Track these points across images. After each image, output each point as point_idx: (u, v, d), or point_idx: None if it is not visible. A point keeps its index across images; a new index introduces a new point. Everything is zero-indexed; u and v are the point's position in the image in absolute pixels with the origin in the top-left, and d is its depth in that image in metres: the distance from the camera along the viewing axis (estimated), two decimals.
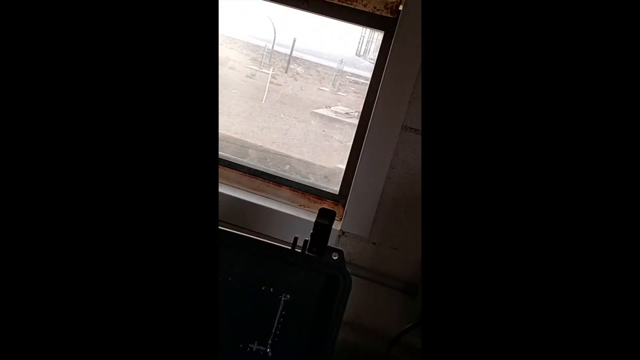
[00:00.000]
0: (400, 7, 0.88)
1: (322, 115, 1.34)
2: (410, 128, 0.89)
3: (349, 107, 1.28)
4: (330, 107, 1.34)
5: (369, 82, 0.96)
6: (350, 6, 0.92)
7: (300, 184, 1.01)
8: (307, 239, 0.75)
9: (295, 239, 0.75)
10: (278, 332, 0.76)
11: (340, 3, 0.92)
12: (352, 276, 0.73)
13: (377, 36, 0.98)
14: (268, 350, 0.76)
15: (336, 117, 1.32)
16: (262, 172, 1.02)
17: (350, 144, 0.98)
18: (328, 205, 0.99)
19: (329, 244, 0.74)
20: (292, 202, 1.01)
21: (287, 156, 1.24)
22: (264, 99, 1.30)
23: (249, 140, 1.22)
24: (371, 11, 0.91)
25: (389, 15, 0.91)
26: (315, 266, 0.74)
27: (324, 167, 1.20)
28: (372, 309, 0.94)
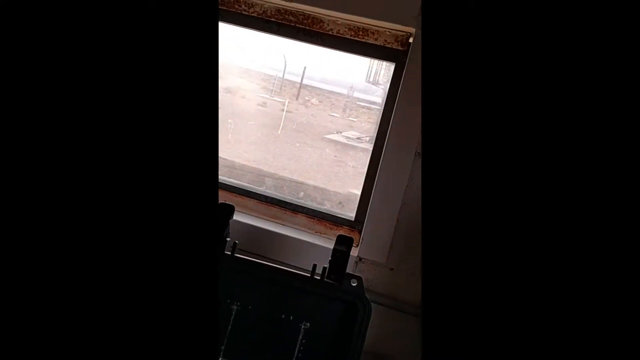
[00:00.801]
0: (411, 40, 0.92)
1: (333, 141, 1.36)
2: None
3: (360, 132, 1.30)
4: (341, 133, 1.36)
5: (380, 109, 0.99)
6: (362, 40, 0.95)
7: (316, 210, 1.03)
8: (325, 266, 0.76)
9: (314, 266, 0.76)
10: None
11: (352, 38, 0.96)
12: (372, 307, 0.75)
13: (385, 64, 1.02)
14: None
15: (348, 142, 1.34)
16: (279, 200, 1.04)
17: (362, 169, 1.00)
18: (344, 232, 1.01)
19: (347, 270, 0.75)
20: (309, 229, 1.02)
21: (301, 183, 1.26)
22: (279, 127, 1.33)
23: (263, 168, 1.24)
24: (382, 44, 0.95)
25: (400, 48, 0.94)
26: (334, 293, 0.75)
27: (338, 193, 1.22)
28: (391, 335, 0.94)
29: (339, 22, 0.95)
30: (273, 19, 0.97)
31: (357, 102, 1.33)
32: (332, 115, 1.38)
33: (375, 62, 1.13)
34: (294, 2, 0.91)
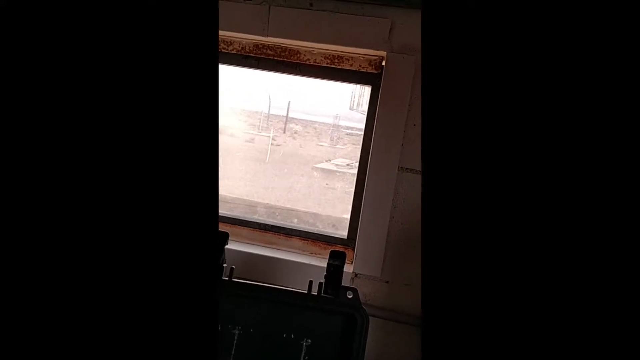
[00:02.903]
0: (383, 63, 0.98)
1: (323, 169, 1.39)
2: (407, 168, 0.95)
3: (349, 159, 1.34)
4: (330, 161, 1.40)
5: (363, 128, 1.03)
6: (338, 67, 1.01)
7: (310, 232, 1.06)
8: (321, 281, 0.79)
9: (310, 282, 0.79)
10: None
11: (328, 65, 1.02)
12: (369, 317, 0.77)
13: (367, 90, 1.07)
14: None
15: (337, 169, 1.37)
16: (272, 226, 1.07)
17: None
18: (338, 249, 1.03)
19: (342, 285, 0.78)
20: (304, 250, 1.05)
21: (294, 210, 1.29)
22: (266, 159, 1.36)
23: (256, 200, 1.27)
24: (357, 69, 1.01)
25: (374, 71, 1.00)
26: (332, 307, 0.78)
27: (331, 217, 1.25)
28: (391, 347, 0.95)
29: (314, 52, 1.01)
30: (252, 54, 1.03)
31: (343, 130, 1.38)
32: (320, 145, 1.42)
33: (358, 89, 1.18)
34: (269, 36, 0.97)
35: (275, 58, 1.02)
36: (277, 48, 1.02)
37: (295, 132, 1.43)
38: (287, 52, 1.02)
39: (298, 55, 1.02)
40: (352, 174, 1.22)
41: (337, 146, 1.41)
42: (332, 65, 1.01)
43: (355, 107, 1.23)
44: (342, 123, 1.36)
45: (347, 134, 1.35)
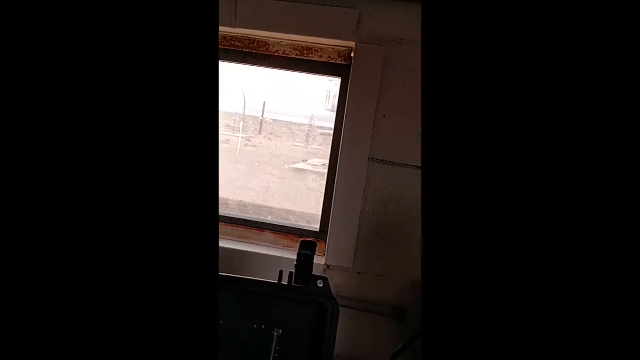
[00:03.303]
0: (352, 54, 0.98)
1: (299, 169, 1.39)
2: (377, 159, 0.95)
3: (324, 158, 1.35)
4: (306, 161, 1.39)
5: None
6: (307, 58, 1.01)
7: (282, 225, 1.05)
8: (291, 270, 0.78)
9: (281, 272, 0.78)
10: None
11: (297, 57, 1.01)
12: (341, 307, 0.76)
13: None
14: None
15: (313, 169, 1.37)
16: (244, 220, 1.06)
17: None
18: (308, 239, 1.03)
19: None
20: (276, 244, 1.04)
21: (268, 207, 1.28)
22: (243, 162, 1.35)
23: (230, 197, 1.26)
24: (327, 61, 1.01)
25: (343, 62, 1.00)
26: (302, 296, 0.77)
27: (305, 213, 1.24)
28: (364, 338, 0.95)
29: (283, 43, 1.01)
30: (220, 46, 1.02)
31: (319, 130, 1.38)
32: (296, 145, 1.42)
33: (332, 89, 1.18)
34: (237, 27, 0.96)
35: (244, 50, 1.02)
36: (245, 39, 1.01)
37: (271, 133, 1.42)
38: (255, 44, 1.01)
39: (267, 46, 1.01)
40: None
41: (313, 146, 1.41)
42: (301, 57, 1.01)
43: (330, 107, 1.23)
44: (318, 123, 1.36)
45: (322, 134, 1.36)
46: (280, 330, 0.78)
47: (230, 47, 1.02)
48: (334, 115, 1.12)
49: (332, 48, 1.00)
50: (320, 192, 1.26)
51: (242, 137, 1.40)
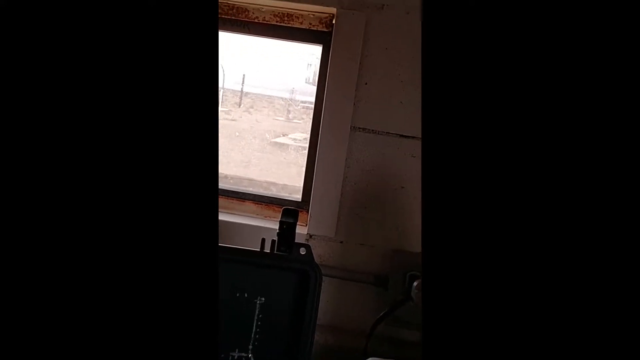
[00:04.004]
0: (334, 21, 0.96)
1: (280, 144, 1.38)
2: (359, 128, 0.94)
3: (306, 133, 1.33)
4: (287, 135, 1.38)
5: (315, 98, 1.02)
6: (288, 25, 0.99)
7: (263, 196, 1.04)
8: (274, 239, 0.78)
9: (263, 240, 0.78)
10: (257, 336, 0.77)
11: (278, 24, 0.99)
12: (324, 277, 0.76)
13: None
14: (250, 355, 0.77)
15: (294, 143, 1.36)
16: (225, 190, 1.04)
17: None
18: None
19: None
20: (257, 214, 1.03)
21: (249, 179, 1.27)
22: (223, 135, 1.33)
23: None
24: (308, 28, 0.99)
25: (325, 30, 0.98)
26: (285, 264, 0.77)
27: (287, 185, 1.23)
28: (347, 307, 0.96)
29: (263, 10, 0.98)
30: None
31: (300, 104, 1.36)
32: (277, 120, 1.40)
33: (313, 63, 1.16)
34: None
35: (223, 16, 0.99)
36: (224, 5, 0.98)
37: (251, 107, 1.40)
38: (234, 10, 0.98)
39: (246, 13, 0.98)
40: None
41: (294, 120, 1.39)
42: (282, 24, 0.99)
43: (311, 81, 1.21)
44: (298, 97, 1.34)
45: (303, 108, 1.34)
46: (263, 299, 0.78)
47: None
48: (314, 89, 1.10)
49: (314, 15, 0.98)
50: (301, 166, 1.25)
51: (222, 110, 1.38)
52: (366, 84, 0.93)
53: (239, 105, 1.43)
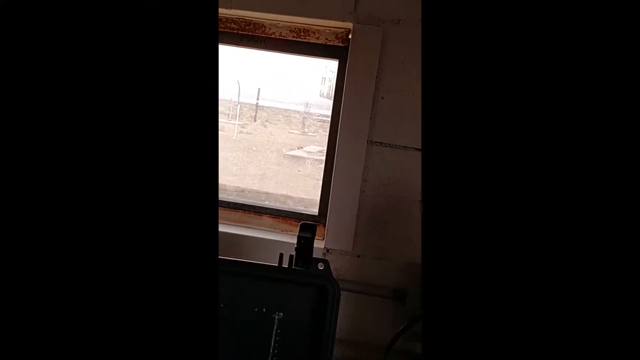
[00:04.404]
0: (350, 36, 0.97)
1: (296, 157, 1.38)
2: (376, 142, 0.95)
3: (320, 146, 1.34)
4: (302, 148, 1.39)
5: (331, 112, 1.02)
6: (304, 40, 1.00)
7: (280, 210, 1.04)
8: (292, 254, 0.78)
9: (281, 255, 0.78)
10: (275, 351, 0.77)
11: (294, 39, 1.00)
12: (342, 291, 0.76)
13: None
14: None
15: (310, 156, 1.36)
16: (242, 204, 1.05)
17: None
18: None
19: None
20: (275, 228, 1.04)
21: (264, 192, 1.28)
22: (238, 149, 1.34)
23: (226, 184, 1.25)
24: (324, 43, 0.99)
25: (341, 44, 0.99)
26: (303, 279, 0.77)
27: (303, 199, 1.24)
28: (365, 321, 0.95)
29: (280, 25, 0.99)
30: None
31: (315, 118, 1.37)
32: (291, 132, 1.41)
33: (327, 77, 1.17)
34: (233, 8, 0.94)
35: (240, 32, 1.00)
36: (242, 22, 0.99)
37: (266, 120, 1.41)
38: (251, 26, 0.99)
39: (263, 28, 1.00)
40: (323, 161, 1.21)
41: (309, 134, 1.40)
42: (298, 39, 0.99)
43: (325, 94, 1.22)
44: (313, 110, 1.35)
45: (318, 121, 1.35)
46: (281, 314, 0.78)
47: (225, 30, 1.00)
48: (329, 102, 1.11)
49: (330, 30, 0.98)
50: (316, 179, 1.26)
51: (237, 124, 1.39)
52: (383, 98, 0.94)
53: (254, 119, 1.44)
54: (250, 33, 1.00)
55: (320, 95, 1.24)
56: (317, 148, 1.34)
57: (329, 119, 1.05)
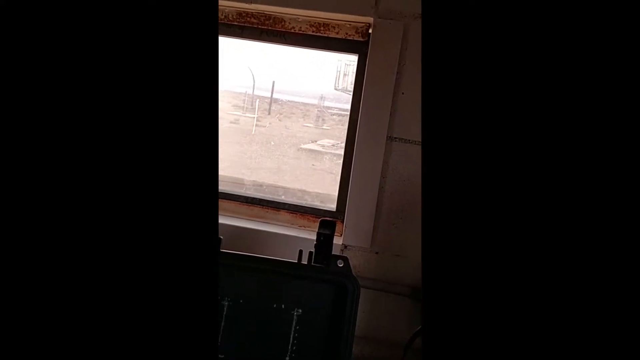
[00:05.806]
0: (370, 30, 0.95)
1: (310, 150, 1.38)
2: (395, 138, 0.94)
3: (334, 139, 1.33)
4: (316, 142, 1.38)
5: (350, 107, 1.01)
6: (324, 35, 0.99)
7: (298, 205, 1.04)
8: (311, 250, 0.77)
9: (300, 252, 0.77)
10: (295, 347, 0.77)
11: (314, 34, 0.99)
12: (360, 288, 0.76)
13: (352, 70, 1.05)
14: None
15: (324, 150, 1.36)
16: (260, 200, 1.05)
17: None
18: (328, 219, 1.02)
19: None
20: (292, 224, 1.04)
21: (281, 187, 1.28)
22: (253, 142, 1.34)
23: (242, 178, 1.25)
24: (344, 37, 0.98)
25: (361, 39, 0.98)
26: (322, 276, 0.77)
27: (320, 193, 1.23)
28: (382, 318, 0.95)
29: (300, 20, 0.98)
30: (235, 23, 1.00)
31: (329, 111, 1.36)
32: (306, 126, 1.41)
33: (342, 70, 1.16)
34: (253, 3, 0.94)
35: (260, 27, 0.99)
36: (261, 16, 0.99)
37: (280, 113, 1.41)
38: (271, 20, 0.99)
39: (283, 23, 0.99)
40: (339, 155, 1.21)
41: (323, 127, 1.39)
42: (318, 34, 0.99)
43: (339, 87, 1.21)
44: (328, 104, 1.34)
45: (332, 115, 1.34)
46: (300, 310, 0.78)
47: (246, 24, 0.99)
48: (344, 95, 1.10)
49: (350, 24, 0.97)
50: (331, 172, 1.25)
51: (251, 117, 1.39)
52: (403, 93, 0.92)
53: (269, 112, 1.43)
54: (270, 27, 0.99)
55: (335, 89, 1.23)
56: (331, 141, 1.34)
57: (344, 113, 1.04)
